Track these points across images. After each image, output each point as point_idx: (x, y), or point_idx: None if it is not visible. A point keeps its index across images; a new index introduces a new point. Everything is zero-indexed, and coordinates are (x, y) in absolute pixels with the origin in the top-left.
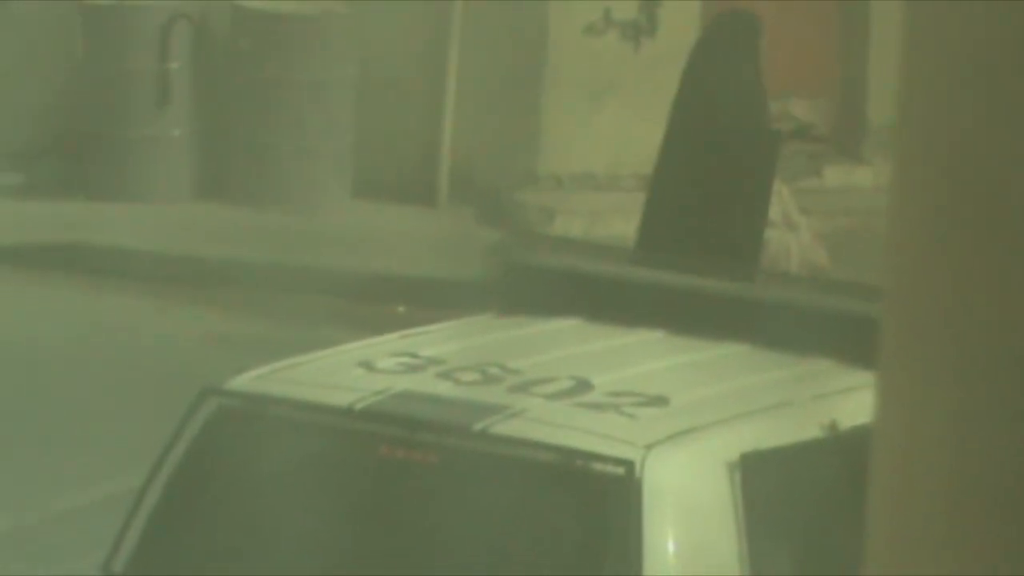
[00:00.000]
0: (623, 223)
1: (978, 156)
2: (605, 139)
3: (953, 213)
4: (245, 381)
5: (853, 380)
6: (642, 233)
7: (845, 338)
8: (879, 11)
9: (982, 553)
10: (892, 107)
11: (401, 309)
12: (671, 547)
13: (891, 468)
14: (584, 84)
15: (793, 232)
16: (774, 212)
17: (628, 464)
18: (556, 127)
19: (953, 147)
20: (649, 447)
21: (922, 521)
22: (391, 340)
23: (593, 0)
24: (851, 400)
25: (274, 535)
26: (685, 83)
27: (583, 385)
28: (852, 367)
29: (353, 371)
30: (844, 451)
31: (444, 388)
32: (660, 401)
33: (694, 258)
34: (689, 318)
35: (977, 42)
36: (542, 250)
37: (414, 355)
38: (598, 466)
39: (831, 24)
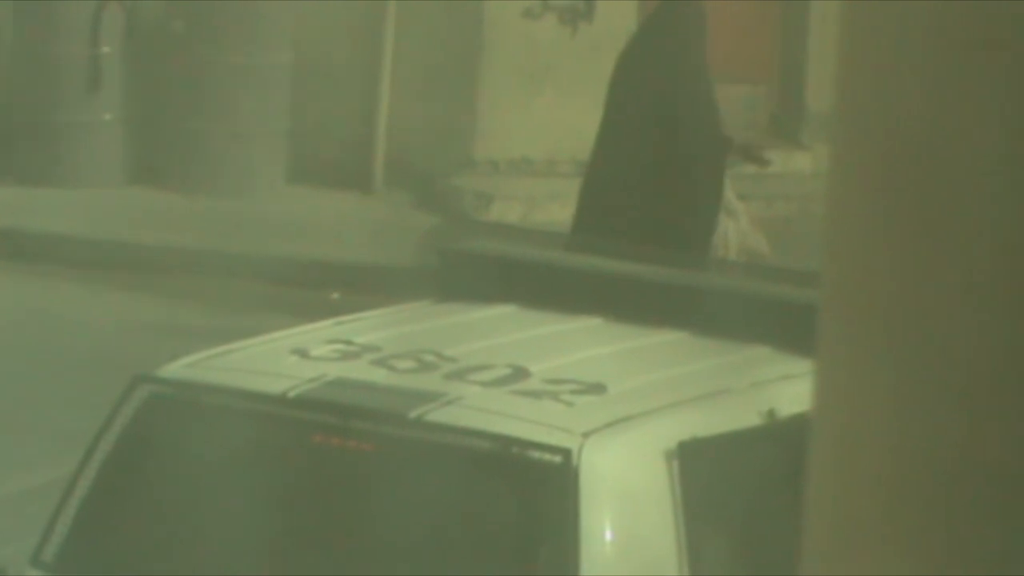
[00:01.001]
0: (561, 209)
1: (916, 141)
2: (542, 124)
3: (891, 198)
4: (178, 368)
5: (792, 368)
6: (579, 220)
7: (784, 325)
8: None
9: (921, 543)
10: (831, 93)
11: (336, 296)
12: (608, 536)
13: (830, 457)
14: (521, 69)
15: (732, 218)
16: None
17: (565, 452)
18: (493, 112)
19: (891, 132)
20: (586, 435)
21: (861, 510)
22: (326, 327)
23: None
24: (790, 388)
25: (208, 524)
26: (626, 66)
27: (520, 373)
28: (791, 354)
29: (287, 358)
30: (783, 439)
31: (379, 375)
32: (598, 389)
33: (631, 245)
34: (627, 305)
35: (916, 26)
36: (478, 236)
37: (349, 342)
38: (535, 454)
39: (770, 9)
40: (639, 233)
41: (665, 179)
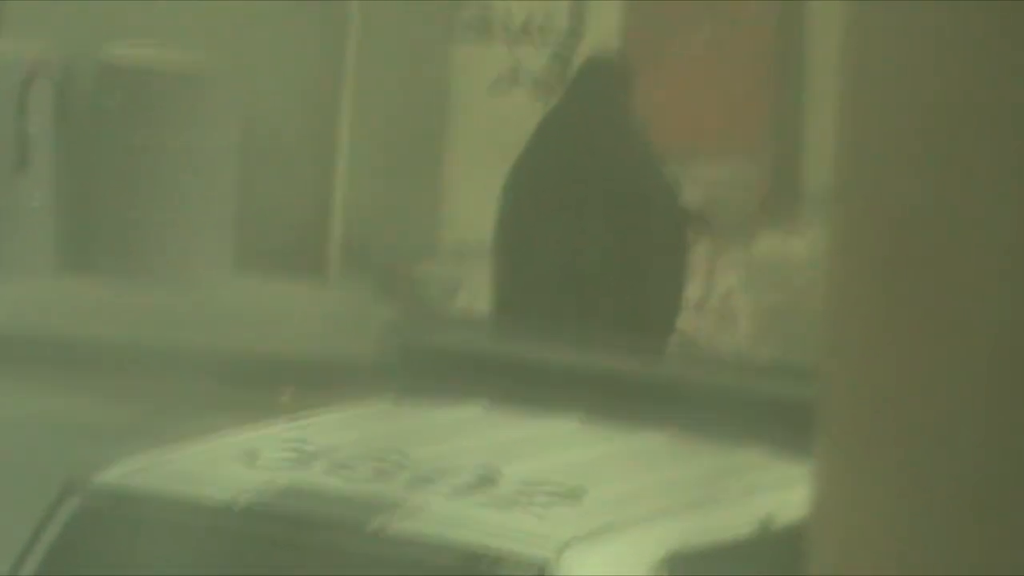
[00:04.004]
0: None
1: (921, 225)
2: None
3: (895, 287)
4: (112, 476)
5: (789, 472)
6: (502, 305)
7: (779, 425)
8: (816, 64)
9: None
10: (829, 170)
11: (287, 394)
12: None
13: (830, 568)
14: (490, 145)
15: (729, 324)
16: (711, 296)
17: (539, 566)
18: (459, 192)
19: (894, 215)
20: (563, 547)
21: None
22: (276, 429)
23: (499, 52)
24: (787, 494)
25: None
26: (550, 134)
27: (489, 477)
28: (788, 457)
29: (233, 464)
30: (780, 550)
31: (335, 482)
32: (575, 495)
33: (614, 336)
34: (607, 403)
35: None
36: (444, 329)
37: (301, 445)
38: (506, 570)
39: (762, 77)
40: (590, 319)
41: (618, 257)
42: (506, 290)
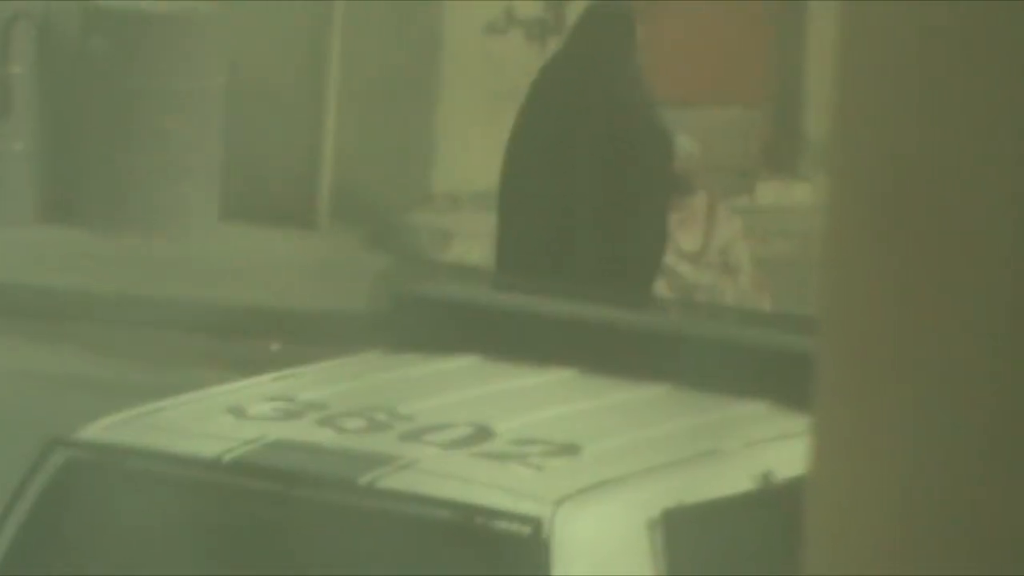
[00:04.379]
0: None
1: (920, 170)
2: None
3: (894, 235)
4: (99, 429)
5: (789, 425)
6: (502, 260)
7: (780, 377)
8: (817, 13)
9: None
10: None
11: (276, 346)
12: None
13: (828, 524)
14: (484, 90)
15: (730, 276)
16: (710, 249)
17: (535, 522)
18: (452, 139)
19: (893, 160)
20: (558, 502)
21: None
22: (264, 382)
23: None
24: (787, 448)
25: None
26: (548, 81)
27: (483, 432)
28: (789, 410)
29: (221, 418)
30: (779, 505)
31: (325, 436)
32: (571, 450)
33: (609, 287)
34: (604, 355)
35: (918, 47)
36: (436, 278)
37: (291, 399)
38: (501, 524)
39: (764, 27)
40: (576, 270)
41: (605, 204)
42: (507, 240)
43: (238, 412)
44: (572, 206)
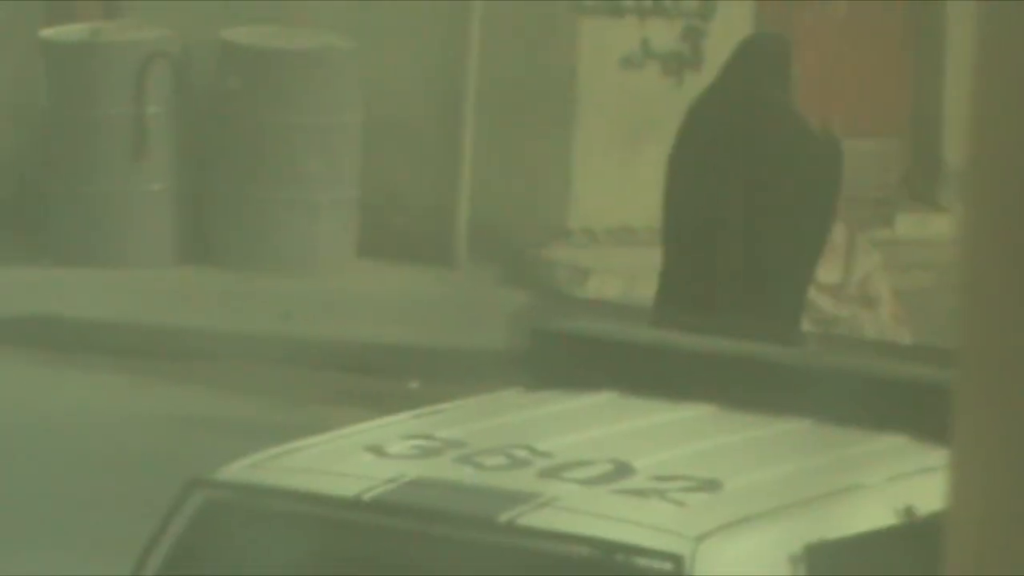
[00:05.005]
0: None
1: None
2: (645, 188)
3: None
4: (237, 470)
5: (932, 459)
6: (664, 296)
7: (920, 410)
8: (956, 40)
9: None
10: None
11: (415, 384)
12: None
13: (966, 559)
14: (620, 125)
15: (870, 309)
16: (850, 282)
17: (676, 559)
18: (589, 175)
19: None
20: (700, 539)
21: None
22: (403, 420)
23: (629, 28)
24: (930, 481)
25: None
26: (704, 115)
27: (623, 468)
28: (930, 444)
29: (361, 456)
30: (922, 540)
31: (465, 474)
32: (712, 486)
33: (746, 321)
34: (743, 390)
35: None
36: (574, 315)
37: (430, 437)
38: (642, 561)
39: (902, 55)
40: (737, 302)
41: (765, 235)
42: (671, 275)
43: (377, 450)
44: (738, 238)
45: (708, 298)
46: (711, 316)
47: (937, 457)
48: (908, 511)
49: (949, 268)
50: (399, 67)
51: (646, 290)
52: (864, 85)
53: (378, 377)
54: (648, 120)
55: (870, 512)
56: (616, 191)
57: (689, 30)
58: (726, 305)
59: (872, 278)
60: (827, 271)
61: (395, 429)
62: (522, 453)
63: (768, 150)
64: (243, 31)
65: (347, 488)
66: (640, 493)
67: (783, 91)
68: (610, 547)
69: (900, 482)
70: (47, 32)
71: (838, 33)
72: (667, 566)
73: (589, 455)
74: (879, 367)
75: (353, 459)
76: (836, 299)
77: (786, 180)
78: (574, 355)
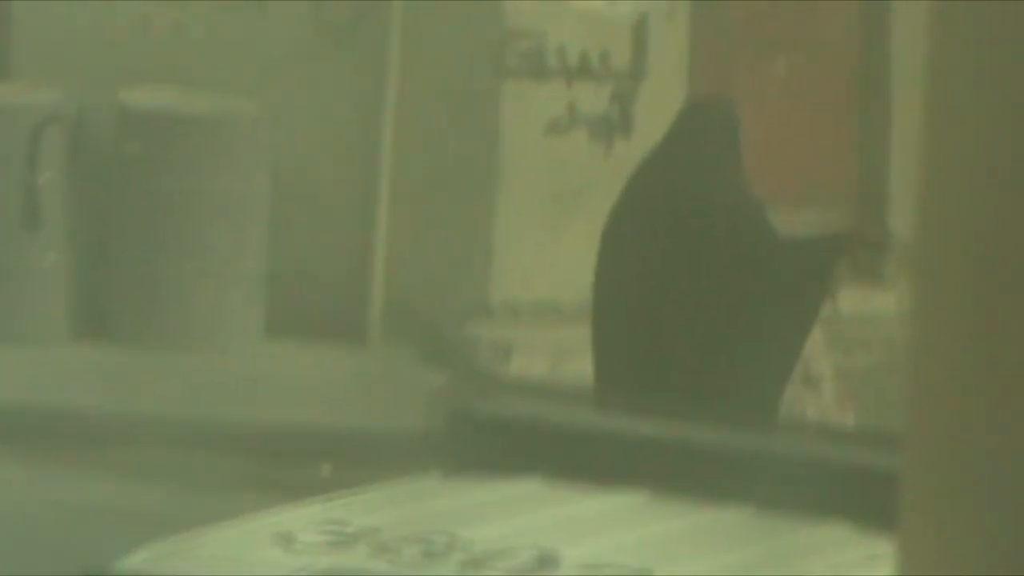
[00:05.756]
0: None
1: (1015, 277)
2: (571, 261)
3: (983, 345)
4: (137, 561)
5: (875, 548)
6: (601, 375)
7: (865, 498)
8: (904, 104)
9: None
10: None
11: (326, 469)
12: None
13: None
14: (546, 194)
15: (811, 389)
16: None
17: None
18: (512, 246)
19: (982, 265)
20: None
21: None
22: (314, 508)
23: (554, 92)
24: (876, 571)
25: None
26: (643, 186)
27: (549, 559)
28: (874, 532)
29: (268, 547)
30: None
31: (380, 566)
32: None
33: (680, 402)
34: (677, 476)
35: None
36: (496, 395)
37: (343, 524)
38: None
39: (847, 118)
40: (689, 387)
41: (716, 314)
42: (604, 356)
43: (286, 539)
44: (681, 318)
45: (652, 378)
46: (651, 397)
47: (882, 547)
48: None
49: (894, 346)
50: (309, 132)
51: (573, 368)
52: (805, 151)
53: (287, 462)
54: (575, 188)
55: None
56: (541, 264)
57: (618, 93)
58: (672, 385)
59: (814, 357)
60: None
61: (306, 516)
62: (442, 542)
63: (713, 223)
64: (143, 93)
65: None
66: None
67: (731, 162)
68: None
69: (843, 572)
70: None
71: (778, 95)
72: None
73: (514, 544)
74: (821, 452)
75: (261, 549)
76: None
77: (733, 253)
78: (497, 439)
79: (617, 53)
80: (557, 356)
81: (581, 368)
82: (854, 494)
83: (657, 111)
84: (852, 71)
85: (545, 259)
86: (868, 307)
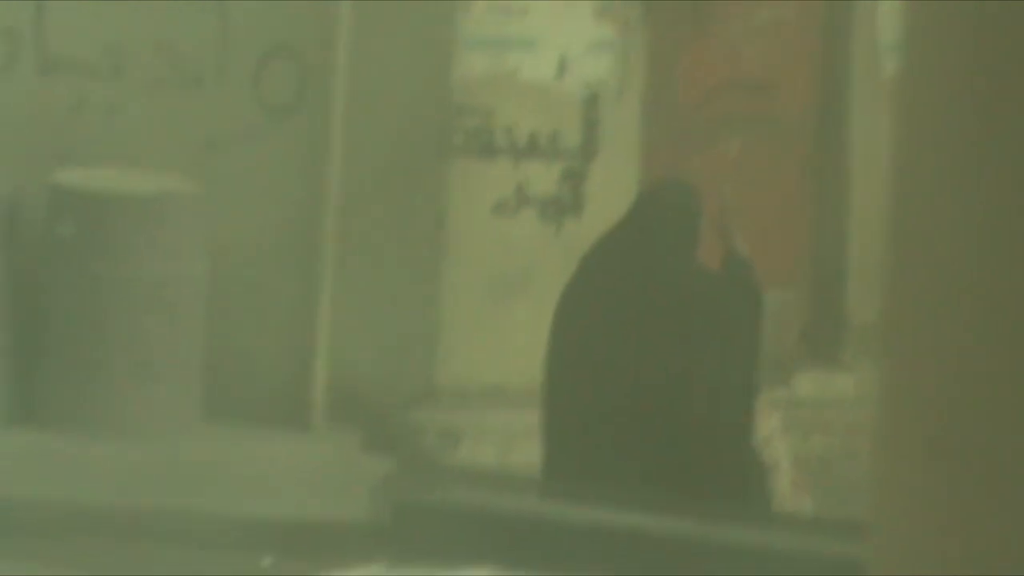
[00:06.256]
0: None
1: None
2: (520, 344)
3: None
4: None
5: None
6: (550, 467)
7: None
8: (861, 180)
9: None
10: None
11: (267, 561)
12: None
13: None
14: (494, 275)
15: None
16: None
17: None
18: (458, 329)
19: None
20: None
21: None
22: None
23: (502, 171)
24: None
25: None
26: (596, 268)
27: None
28: None
29: None
30: None
31: None
32: None
33: (632, 491)
34: (631, 566)
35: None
36: (444, 484)
37: None
38: None
39: (802, 197)
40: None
41: (673, 403)
42: (554, 438)
43: None
44: (633, 398)
45: (605, 458)
46: (603, 481)
47: None
48: None
49: (853, 432)
50: (248, 214)
51: (523, 455)
52: (759, 231)
53: (227, 553)
54: (524, 269)
55: None
56: (489, 346)
57: (568, 173)
58: (626, 466)
59: (771, 443)
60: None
61: None
62: None
63: (673, 306)
64: (77, 174)
65: None
66: None
67: (689, 247)
68: None
69: None
70: None
71: (730, 175)
72: None
73: None
74: (777, 541)
75: None
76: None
77: (697, 335)
78: (445, 528)
79: (567, 132)
80: (506, 441)
81: (531, 453)
82: None
83: (608, 190)
84: (807, 150)
85: (492, 341)
86: (826, 391)
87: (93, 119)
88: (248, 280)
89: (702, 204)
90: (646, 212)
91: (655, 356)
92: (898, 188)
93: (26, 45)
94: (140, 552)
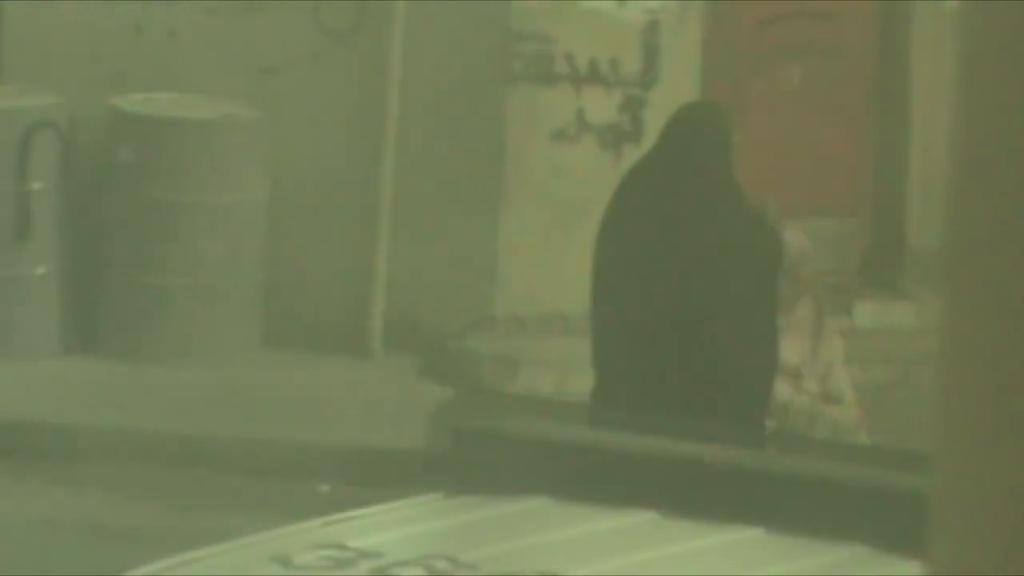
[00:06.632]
0: None
1: None
2: (579, 271)
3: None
4: None
5: (892, 569)
6: (600, 392)
7: (881, 518)
8: (921, 110)
9: None
10: (938, 229)
11: (325, 488)
12: None
13: None
14: (552, 203)
15: (829, 405)
16: (814, 365)
17: None
18: (517, 257)
19: (1014, 281)
20: None
21: None
22: (312, 528)
23: (562, 99)
24: None
25: None
26: (635, 189)
27: None
28: (890, 553)
29: (265, 568)
30: None
31: None
32: None
33: (691, 420)
34: (688, 495)
35: None
36: (502, 412)
37: (342, 547)
38: None
39: (863, 126)
40: (679, 394)
41: (709, 322)
42: (604, 367)
43: (283, 561)
44: (673, 322)
45: (648, 393)
46: (653, 414)
47: (899, 568)
48: None
49: (913, 362)
50: (308, 140)
51: (582, 384)
52: (820, 159)
53: (284, 480)
54: (583, 198)
55: None
56: (547, 274)
57: (628, 100)
58: (669, 400)
59: (834, 370)
60: (789, 350)
61: (303, 537)
62: (443, 565)
63: (703, 228)
64: (136, 99)
65: None
66: None
67: (722, 165)
68: None
69: None
70: None
71: (791, 103)
72: None
73: (518, 567)
74: (836, 471)
75: (257, 571)
76: (795, 386)
77: (722, 261)
78: (502, 457)
79: (627, 59)
80: (564, 369)
81: (588, 383)
82: (870, 515)
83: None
84: (869, 78)
85: (551, 269)
86: (886, 320)
87: (152, 43)
88: (307, 205)
89: (733, 120)
90: (679, 131)
91: (689, 268)
92: (960, 115)
93: None
94: (198, 478)
